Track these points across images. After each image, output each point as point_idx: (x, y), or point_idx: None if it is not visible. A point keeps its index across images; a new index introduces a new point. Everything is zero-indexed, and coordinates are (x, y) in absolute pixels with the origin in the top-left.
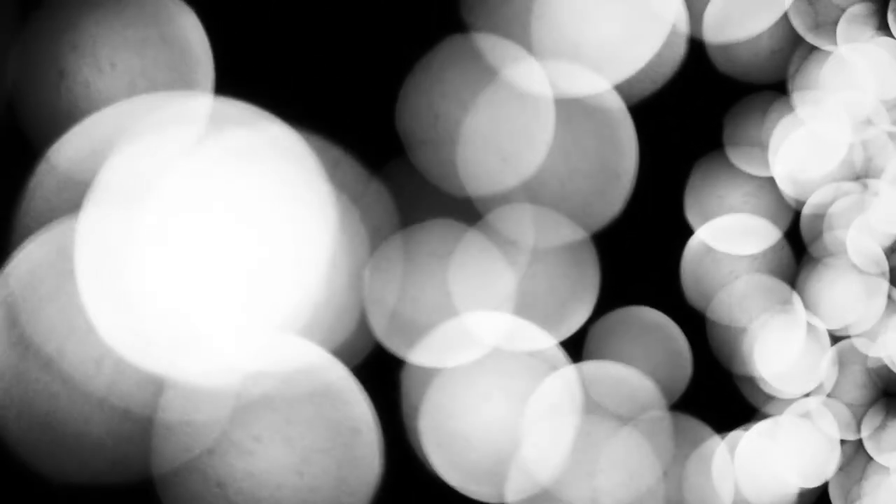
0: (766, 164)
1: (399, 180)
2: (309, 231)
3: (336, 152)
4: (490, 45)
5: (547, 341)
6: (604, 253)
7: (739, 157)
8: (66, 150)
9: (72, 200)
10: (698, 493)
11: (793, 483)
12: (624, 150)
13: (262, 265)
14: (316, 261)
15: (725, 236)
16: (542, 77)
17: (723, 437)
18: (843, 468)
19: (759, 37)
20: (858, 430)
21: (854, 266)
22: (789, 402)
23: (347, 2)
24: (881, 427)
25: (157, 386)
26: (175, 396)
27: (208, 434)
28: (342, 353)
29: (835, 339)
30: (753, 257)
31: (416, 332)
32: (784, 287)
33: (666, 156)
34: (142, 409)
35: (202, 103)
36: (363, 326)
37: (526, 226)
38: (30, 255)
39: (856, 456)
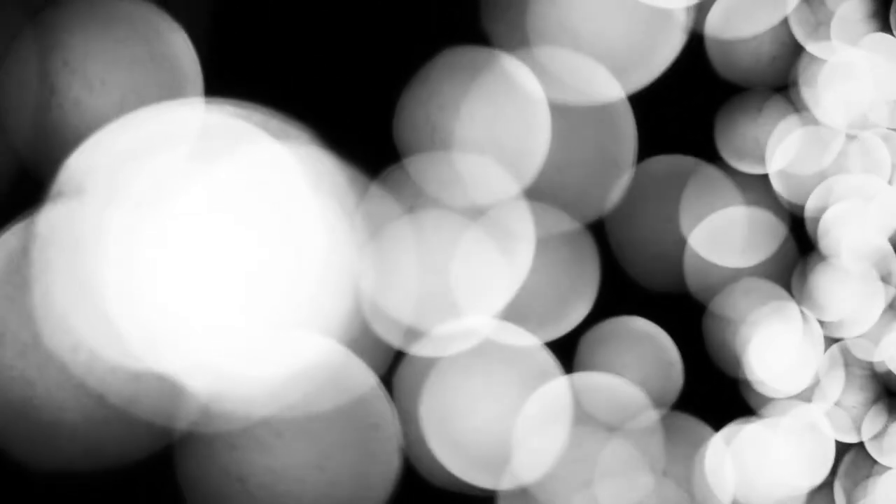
0: (763, 163)
1: (397, 185)
2: (314, 231)
3: (334, 159)
4: (487, 56)
5: (545, 338)
6: (602, 253)
7: (735, 156)
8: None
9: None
10: (697, 495)
11: (792, 485)
12: (623, 139)
13: (273, 265)
14: (323, 258)
15: (722, 235)
16: (540, 68)
17: (721, 439)
18: (846, 470)
19: (759, 41)
20: (860, 432)
21: (852, 267)
22: (788, 404)
23: (345, 13)
24: (883, 429)
25: (135, 374)
26: (196, 394)
27: (230, 430)
28: (361, 351)
29: (832, 340)
30: (750, 259)
31: (416, 328)
32: (782, 288)
33: (663, 150)
34: (118, 396)
35: (196, 115)
36: (368, 323)
37: (525, 220)
38: (4, 244)
39: (858, 458)
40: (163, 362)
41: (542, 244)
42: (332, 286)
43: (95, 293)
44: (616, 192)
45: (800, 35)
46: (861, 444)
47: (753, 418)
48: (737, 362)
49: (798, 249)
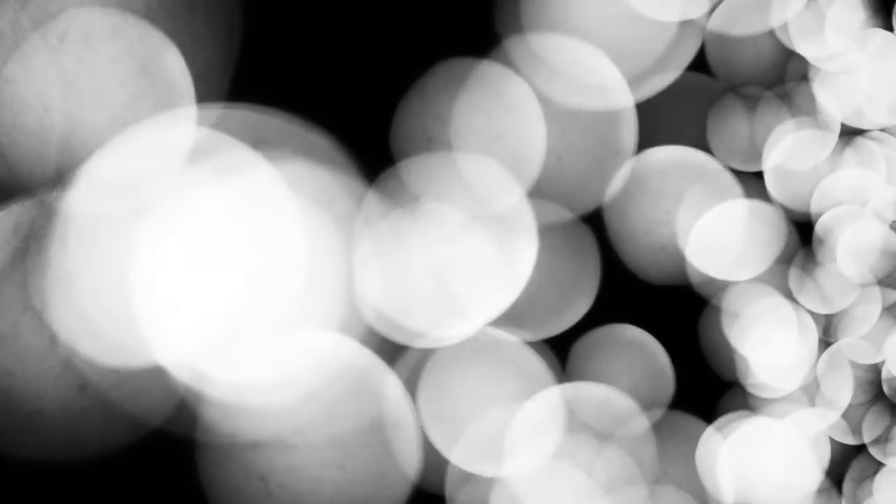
0: (757, 162)
1: (397, 186)
2: (321, 232)
3: (337, 162)
4: (483, 67)
5: (545, 335)
6: (601, 246)
7: (729, 154)
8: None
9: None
10: (697, 496)
11: (792, 487)
12: (623, 129)
13: (286, 264)
14: (334, 258)
15: (721, 229)
16: (541, 58)
17: (720, 439)
18: (847, 472)
19: (757, 40)
20: (861, 434)
21: (849, 268)
22: (787, 405)
23: (342, 25)
24: (885, 431)
25: (115, 365)
26: (218, 394)
27: (251, 429)
28: (379, 349)
29: (829, 342)
30: (749, 255)
31: (419, 327)
32: (780, 287)
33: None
34: (97, 386)
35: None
36: (377, 322)
37: (525, 217)
38: None
39: (860, 460)
40: (161, 357)
41: (542, 241)
42: (344, 287)
43: (78, 286)
44: (616, 183)
45: (797, 34)
46: (863, 447)
47: (752, 419)
48: (734, 361)
49: (796, 249)
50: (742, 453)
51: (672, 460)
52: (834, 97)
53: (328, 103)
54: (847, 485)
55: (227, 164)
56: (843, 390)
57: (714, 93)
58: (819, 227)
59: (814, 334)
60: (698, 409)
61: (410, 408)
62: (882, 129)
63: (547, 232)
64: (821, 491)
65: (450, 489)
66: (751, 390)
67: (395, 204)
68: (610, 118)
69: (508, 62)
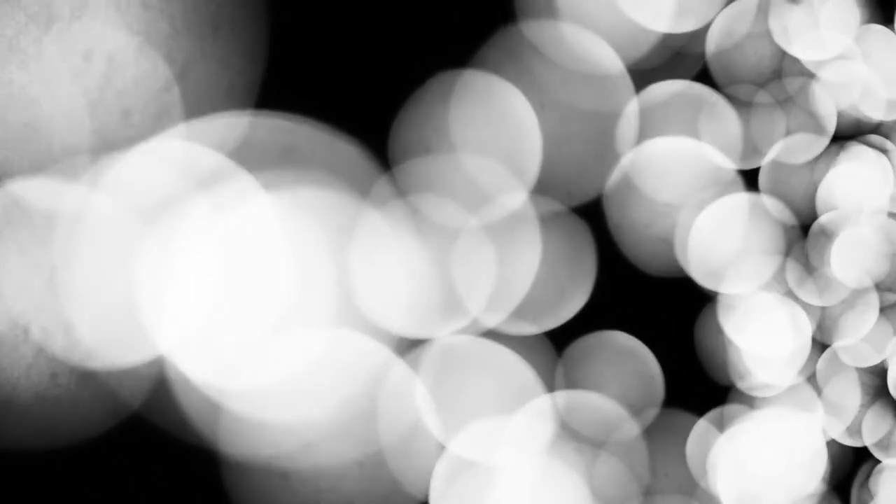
0: (752, 161)
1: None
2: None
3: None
4: (480, 80)
5: (543, 328)
6: (600, 236)
7: (724, 153)
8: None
9: None
10: (697, 498)
11: (791, 489)
12: (623, 118)
13: (298, 267)
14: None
15: (722, 221)
16: (544, 42)
17: (718, 443)
18: (850, 474)
19: (755, 41)
20: (862, 435)
21: (846, 272)
22: (785, 407)
23: (340, 36)
24: (888, 432)
25: (87, 354)
26: (240, 394)
27: (273, 428)
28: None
29: (826, 345)
30: (747, 249)
31: (421, 323)
32: (777, 289)
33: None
34: (69, 376)
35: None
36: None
37: (524, 214)
38: None
39: (861, 461)
40: (250, 368)
41: (540, 234)
42: (354, 288)
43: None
44: (616, 174)
45: (795, 35)
46: (864, 448)
47: (750, 421)
48: (732, 361)
49: (794, 246)
50: (741, 456)
51: (670, 463)
52: (831, 97)
53: (347, 112)
54: (849, 486)
55: (235, 173)
56: (842, 392)
57: (712, 94)
58: (816, 228)
59: (812, 335)
60: (696, 410)
61: (425, 407)
62: (879, 130)
63: (544, 225)
64: (822, 493)
65: (437, 491)
66: (749, 391)
67: (396, 206)
68: (610, 107)
69: (510, 50)
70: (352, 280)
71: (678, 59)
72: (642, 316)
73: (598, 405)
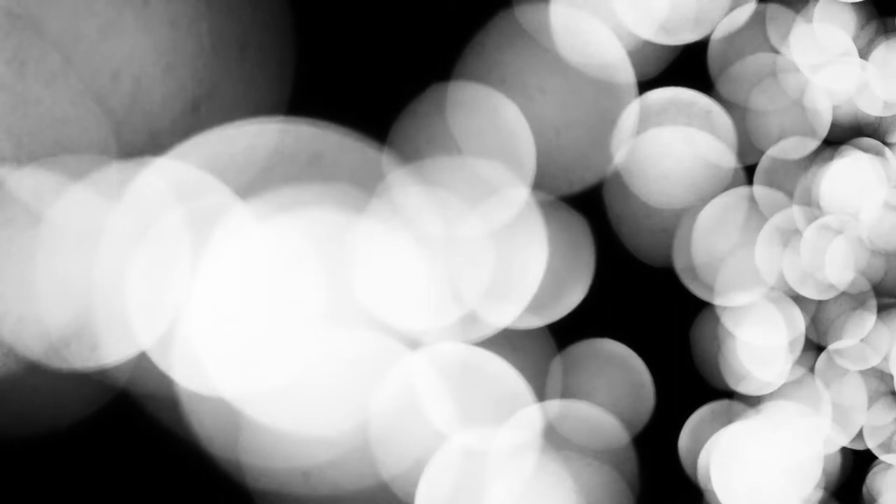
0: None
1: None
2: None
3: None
4: (473, 91)
5: (544, 321)
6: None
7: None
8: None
9: None
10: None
11: (791, 491)
12: (622, 99)
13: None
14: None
15: (722, 213)
16: (547, 26)
17: (718, 441)
18: (851, 475)
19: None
20: (863, 437)
21: (842, 274)
22: (784, 409)
23: (338, 47)
24: (891, 434)
25: (64, 339)
26: (261, 394)
27: (294, 427)
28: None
29: (822, 347)
30: (745, 243)
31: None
32: (775, 290)
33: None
34: (47, 363)
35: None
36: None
37: (524, 211)
38: None
39: (863, 463)
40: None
41: (541, 228)
42: (366, 290)
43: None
44: (616, 164)
45: (794, 37)
46: (867, 450)
47: (750, 423)
48: (729, 365)
49: (790, 249)
50: (739, 460)
51: (660, 471)
52: (828, 99)
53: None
54: (849, 488)
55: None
56: (840, 394)
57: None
58: (813, 229)
59: (809, 336)
60: (693, 414)
61: (452, 406)
62: (876, 132)
63: (545, 218)
64: (822, 495)
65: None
66: (746, 394)
67: (398, 207)
68: (610, 92)
69: (510, 31)
70: (365, 281)
71: (677, 58)
72: (638, 315)
73: (588, 414)
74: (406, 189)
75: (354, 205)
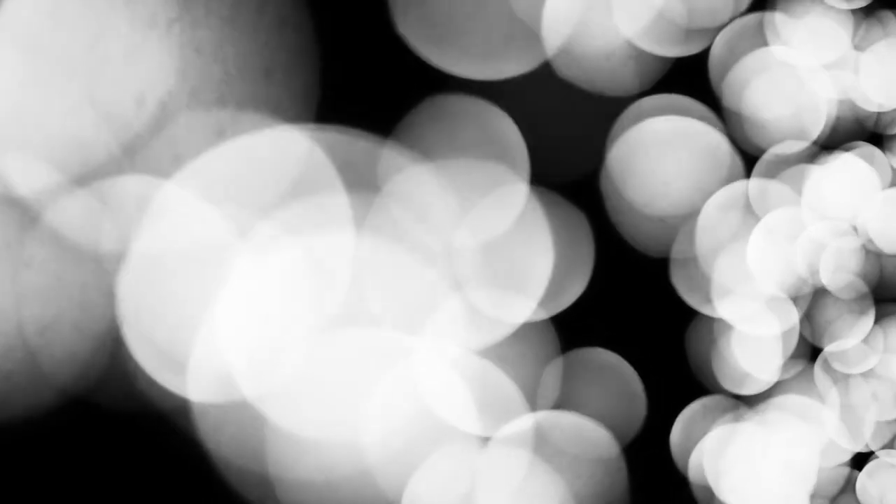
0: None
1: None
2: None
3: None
4: (467, 104)
5: (544, 314)
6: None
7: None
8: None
9: None
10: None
11: (792, 494)
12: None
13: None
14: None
15: (722, 205)
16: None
17: (717, 442)
18: (850, 476)
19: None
20: (864, 439)
21: (839, 278)
22: (784, 409)
23: (335, 58)
24: (888, 433)
25: (41, 329)
26: (279, 396)
27: (313, 426)
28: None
29: (818, 350)
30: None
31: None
32: (774, 290)
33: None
34: (23, 349)
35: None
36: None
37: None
38: None
39: (861, 463)
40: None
41: (540, 222)
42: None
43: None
44: (614, 154)
45: (794, 38)
46: (869, 453)
47: (749, 425)
48: (725, 368)
49: (787, 251)
50: (740, 462)
51: (651, 480)
52: (826, 101)
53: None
54: (850, 489)
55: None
56: (838, 396)
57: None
58: (811, 229)
59: (805, 340)
60: (690, 419)
61: (468, 407)
62: (873, 136)
63: (544, 212)
64: (820, 497)
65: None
66: (741, 397)
67: (399, 209)
68: (610, 84)
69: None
70: (374, 284)
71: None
72: (634, 313)
73: (579, 424)
74: (412, 195)
75: (363, 211)
